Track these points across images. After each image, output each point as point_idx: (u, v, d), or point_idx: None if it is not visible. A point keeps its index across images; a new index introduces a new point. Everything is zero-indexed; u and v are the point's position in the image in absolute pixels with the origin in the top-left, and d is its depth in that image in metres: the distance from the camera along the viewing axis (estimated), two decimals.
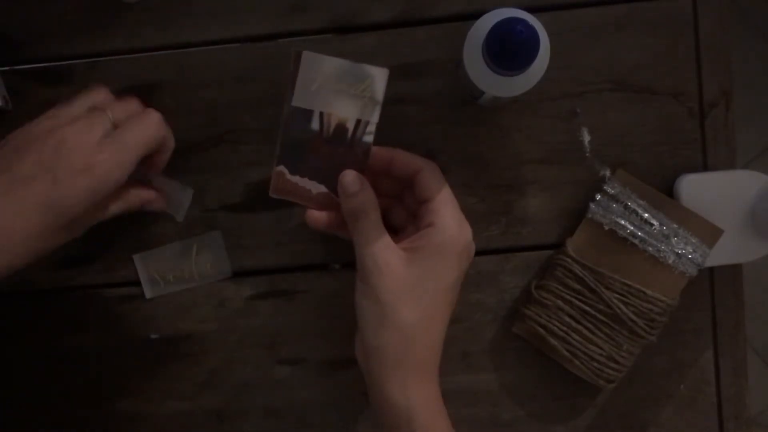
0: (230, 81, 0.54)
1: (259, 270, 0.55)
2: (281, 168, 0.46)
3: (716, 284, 0.54)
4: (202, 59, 0.54)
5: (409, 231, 0.47)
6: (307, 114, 0.45)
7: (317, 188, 0.46)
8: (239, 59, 0.53)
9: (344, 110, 0.45)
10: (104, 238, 0.54)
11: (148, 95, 0.54)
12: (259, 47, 0.54)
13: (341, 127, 0.45)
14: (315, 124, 0.45)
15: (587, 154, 0.54)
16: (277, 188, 0.46)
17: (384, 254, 0.44)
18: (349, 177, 0.45)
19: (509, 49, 0.41)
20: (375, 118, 0.45)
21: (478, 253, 0.54)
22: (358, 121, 0.46)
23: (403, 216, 0.49)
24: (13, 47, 0.54)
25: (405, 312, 0.43)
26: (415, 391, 0.45)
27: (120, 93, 0.54)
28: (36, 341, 0.56)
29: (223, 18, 0.53)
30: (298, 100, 0.45)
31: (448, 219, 0.45)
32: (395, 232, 0.49)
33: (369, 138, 0.45)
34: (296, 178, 0.46)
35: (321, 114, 0.45)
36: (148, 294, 0.55)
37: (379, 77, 0.45)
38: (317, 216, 0.47)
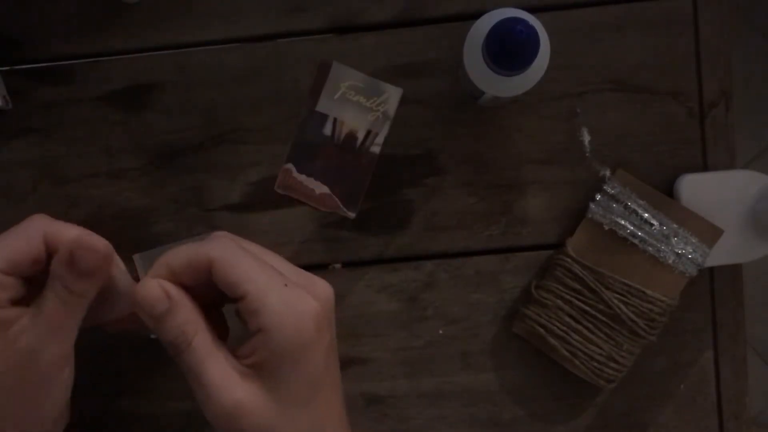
0: (230, 81, 0.54)
1: None
2: (289, 165, 0.47)
3: (716, 284, 0.54)
4: (202, 59, 0.54)
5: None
6: (323, 119, 0.47)
7: (321, 188, 0.48)
8: (239, 59, 0.54)
9: (357, 120, 0.47)
10: (104, 238, 0.54)
11: (147, 95, 0.54)
12: (259, 47, 0.54)
13: (351, 135, 0.47)
14: (328, 130, 0.47)
15: (587, 154, 0.54)
16: (283, 184, 0.48)
17: (232, 394, 0.32)
18: (150, 291, 0.33)
19: (509, 49, 0.41)
20: (384, 132, 0.47)
21: (478, 253, 0.54)
22: (368, 132, 0.47)
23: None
24: (13, 47, 0.54)
25: None
26: None
27: (119, 92, 0.54)
28: None
29: (223, 18, 0.54)
30: (320, 106, 0.47)
31: (278, 312, 0.33)
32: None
33: (376, 149, 0.47)
34: (302, 177, 0.47)
35: (335, 120, 0.46)
36: None
37: (393, 95, 0.47)
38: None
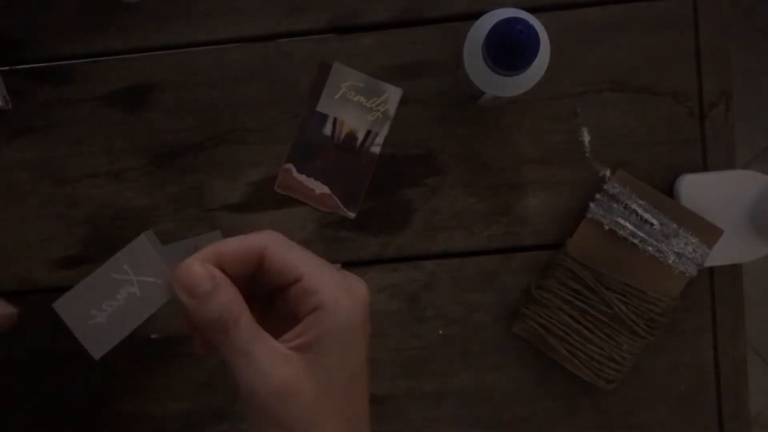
0: (230, 81, 0.54)
1: None
2: (289, 165, 0.47)
3: (716, 284, 0.54)
4: (202, 59, 0.54)
5: (276, 322, 0.36)
6: (323, 119, 0.46)
7: (321, 188, 0.47)
8: (239, 59, 0.54)
9: (357, 120, 0.47)
10: (103, 239, 0.54)
11: (148, 95, 0.54)
12: (259, 47, 0.54)
13: (351, 135, 0.47)
14: (328, 130, 0.47)
15: (587, 154, 0.54)
16: (283, 184, 0.48)
17: (281, 373, 0.32)
18: (195, 272, 0.33)
19: (509, 49, 0.41)
20: (384, 132, 0.47)
21: (478, 253, 0.54)
22: (368, 132, 0.47)
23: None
24: (13, 47, 0.54)
25: (328, 426, 0.34)
26: None
27: (120, 92, 0.54)
28: (36, 341, 0.56)
29: (223, 18, 0.54)
30: (321, 106, 0.46)
31: (335, 292, 0.34)
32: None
33: (376, 149, 0.47)
34: (302, 177, 0.47)
35: (335, 120, 0.46)
36: None
37: (393, 95, 0.47)
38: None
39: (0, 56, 0.54)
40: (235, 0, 0.53)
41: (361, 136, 0.47)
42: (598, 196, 0.52)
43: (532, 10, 0.45)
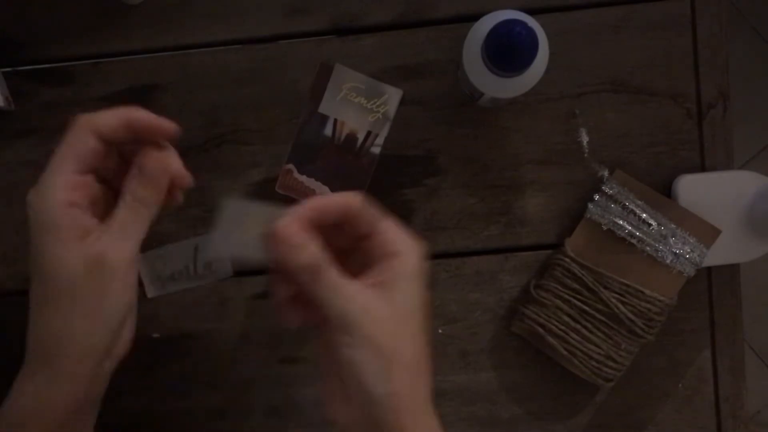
0: (231, 82, 0.54)
1: (260, 270, 0.55)
2: (290, 166, 0.47)
3: (714, 284, 0.55)
4: (204, 61, 0.54)
5: (350, 269, 0.41)
6: (323, 120, 0.47)
7: (321, 189, 0.48)
8: (240, 61, 0.54)
9: (357, 121, 0.47)
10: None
11: (149, 96, 0.54)
12: (259, 49, 0.54)
13: (352, 136, 0.47)
14: (328, 131, 0.47)
15: (586, 155, 0.54)
16: (284, 185, 0.48)
17: (363, 299, 0.39)
18: (288, 227, 0.39)
19: (508, 50, 0.41)
20: (384, 133, 0.47)
21: (477, 253, 0.54)
22: (368, 133, 0.47)
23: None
24: (15, 48, 0.54)
25: (408, 349, 0.40)
26: (435, 422, 0.42)
27: (121, 93, 0.54)
28: None
29: (224, 20, 0.54)
30: (323, 108, 0.46)
31: (407, 243, 0.41)
32: None
33: (376, 150, 0.47)
34: (303, 178, 0.47)
35: (335, 121, 0.46)
36: (149, 293, 0.55)
37: (393, 96, 0.47)
38: (291, 318, 0.42)
39: (2, 57, 0.54)
40: (236, 2, 0.54)
41: (361, 137, 0.47)
42: (596, 196, 0.52)
43: (530, 12, 0.45)
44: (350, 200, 0.41)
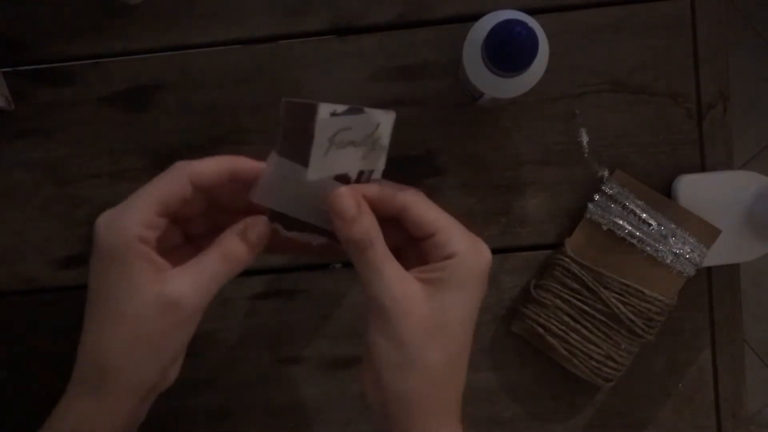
0: (231, 82, 0.54)
1: (260, 270, 0.55)
2: (275, 225, 0.39)
3: (714, 284, 0.55)
4: (204, 61, 0.54)
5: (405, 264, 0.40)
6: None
7: (318, 239, 0.41)
8: (240, 61, 0.54)
9: (347, 164, 0.39)
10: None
11: (149, 96, 0.54)
12: (260, 49, 0.54)
13: (342, 177, 0.39)
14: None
15: (586, 155, 0.54)
16: (271, 247, 0.40)
17: (403, 289, 0.38)
18: (345, 199, 0.38)
19: (508, 50, 0.41)
20: (381, 165, 0.40)
21: None
22: (361, 172, 0.40)
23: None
24: (15, 48, 0.54)
25: (433, 354, 0.38)
26: None
27: (121, 93, 0.54)
28: (37, 341, 0.56)
29: (224, 20, 0.54)
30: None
31: (465, 246, 0.39)
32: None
33: (376, 179, 0.41)
34: (293, 233, 0.40)
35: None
36: None
37: (385, 123, 0.39)
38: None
39: (2, 57, 0.54)
40: (235, 2, 0.54)
41: (353, 176, 0.39)
42: (596, 196, 0.52)
43: (531, 12, 0.45)
44: (407, 197, 0.40)
